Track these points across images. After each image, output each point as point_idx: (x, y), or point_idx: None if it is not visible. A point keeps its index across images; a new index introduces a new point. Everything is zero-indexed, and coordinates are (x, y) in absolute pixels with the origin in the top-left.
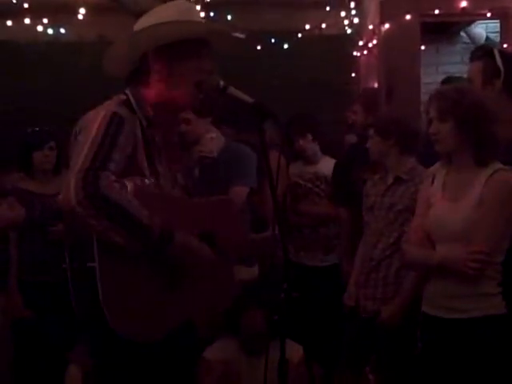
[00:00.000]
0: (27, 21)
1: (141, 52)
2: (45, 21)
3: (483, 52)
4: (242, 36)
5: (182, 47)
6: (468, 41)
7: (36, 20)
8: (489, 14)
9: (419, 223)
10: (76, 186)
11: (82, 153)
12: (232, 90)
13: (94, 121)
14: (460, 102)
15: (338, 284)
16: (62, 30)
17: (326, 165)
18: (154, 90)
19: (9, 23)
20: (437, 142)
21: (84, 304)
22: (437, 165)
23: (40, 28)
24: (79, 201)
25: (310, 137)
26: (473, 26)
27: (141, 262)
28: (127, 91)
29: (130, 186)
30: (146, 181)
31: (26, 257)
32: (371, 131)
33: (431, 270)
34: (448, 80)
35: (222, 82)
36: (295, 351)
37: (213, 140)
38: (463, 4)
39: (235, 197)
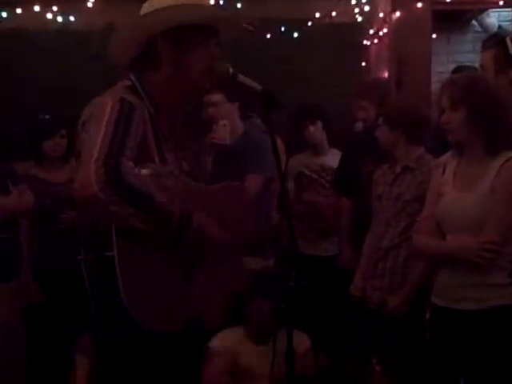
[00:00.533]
0: (37, 8)
1: (150, 34)
2: (54, 8)
3: (496, 40)
4: (251, 28)
5: (193, 32)
6: (480, 29)
7: (45, 8)
8: (501, 2)
9: (430, 213)
10: (97, 173)
11: (96, 140)
12: (241, 77)
13: (104, 108)
14: (472, 90)
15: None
16: (72, 18)
17: (333, 157)
18: (162, 76)
19: (18, 11)
20: (449, 132)
21: (101, 295)
22: (448, 154)
23: (49, 16)
24: (101, 187)
25: (320, 124)
26: (485, 14)
27: (159, 251)
28: (132, 77)
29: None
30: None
31: (37, 245)
32: (380, 120)
33: (441, 260)
34: (459, 69)
35: (231, 69)
36: (302, 341)
37: (225, 127)
38: None
39: (250, 184)
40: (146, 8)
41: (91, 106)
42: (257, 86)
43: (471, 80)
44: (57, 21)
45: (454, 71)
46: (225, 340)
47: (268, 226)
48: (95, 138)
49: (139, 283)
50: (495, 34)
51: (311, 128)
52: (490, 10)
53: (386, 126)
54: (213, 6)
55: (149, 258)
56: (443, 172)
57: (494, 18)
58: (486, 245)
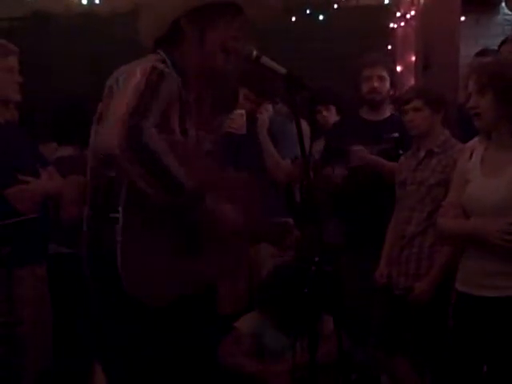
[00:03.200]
0: None
1: (177, 14)
2: None
3: None
4: (278, 4)
5: (216, 13)
6: (509, 12)
7: None
8: None
9: (455, 199)
10: (119, 130)
11: (123, 100)
12: (265, 59)
13: (134, 72)
14: (500, 74)
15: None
16: (97, 1)
17: None
18: (187, 54)
19: None
20: (476, 117)
21: (97, 257)
22: (475, 139)
23: None
24: (120, 143)
25: (333, 110)
26: None
27: (165, 223)
28: (160, 51)
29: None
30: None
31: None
32: (412, 104)
33: (466, 245)
34: (483, 52)
35: (255, 52)
36: (325, 324)
37: (242, 116)
38: None
39: (294, 171)
40: None
41: (120, 71)
42: (281, 69)
43: (500, 65)
44: (81, 3)
45: (478, 54)
46: (250, 322)
47: (279, 221)
48: (122, 98)
49: (138, 250)
50: None
51: (324, 112)
52: None
53: (428, 109)
54: None
55: (153, 228)
56: (470, 157)
57: None
58: (510, 227)
